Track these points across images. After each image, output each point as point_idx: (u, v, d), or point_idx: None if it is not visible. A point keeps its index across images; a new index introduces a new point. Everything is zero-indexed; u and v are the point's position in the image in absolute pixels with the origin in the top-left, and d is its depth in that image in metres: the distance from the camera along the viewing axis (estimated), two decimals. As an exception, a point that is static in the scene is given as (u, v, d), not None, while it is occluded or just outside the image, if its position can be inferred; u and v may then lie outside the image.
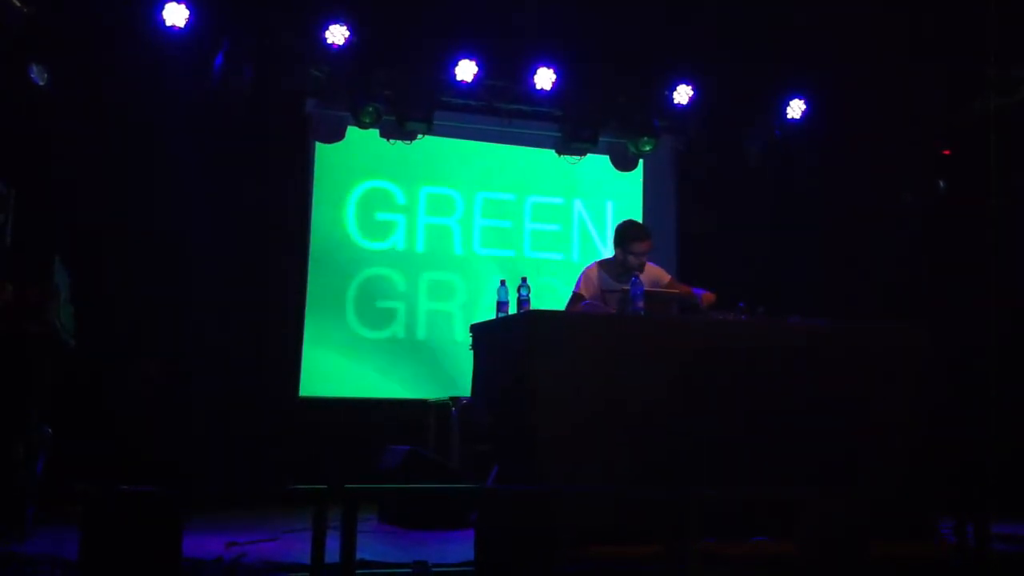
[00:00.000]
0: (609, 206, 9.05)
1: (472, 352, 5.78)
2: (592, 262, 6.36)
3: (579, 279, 6.16)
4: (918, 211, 8.72)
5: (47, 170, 7.16)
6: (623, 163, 9.10)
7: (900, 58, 8.33)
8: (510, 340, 5.35)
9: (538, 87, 8.23)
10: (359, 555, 4.22)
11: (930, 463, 5.44)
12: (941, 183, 8.55)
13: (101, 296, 7.02)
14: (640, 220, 9.10)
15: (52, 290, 5.25)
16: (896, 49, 8.28)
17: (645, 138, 8.71)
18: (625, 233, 6.12)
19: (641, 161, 9.10)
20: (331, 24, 7.64)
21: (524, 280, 5.78)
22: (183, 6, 7.28)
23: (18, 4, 6.80)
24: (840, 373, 5.37)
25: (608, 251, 6.55)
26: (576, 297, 6.03)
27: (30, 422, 5.27)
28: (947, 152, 8.56)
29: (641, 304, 5.48)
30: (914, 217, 8.75)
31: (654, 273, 6.17)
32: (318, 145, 8.36)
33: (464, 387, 6.19)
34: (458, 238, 8.63)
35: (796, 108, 8.79)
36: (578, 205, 8.96)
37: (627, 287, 5.73)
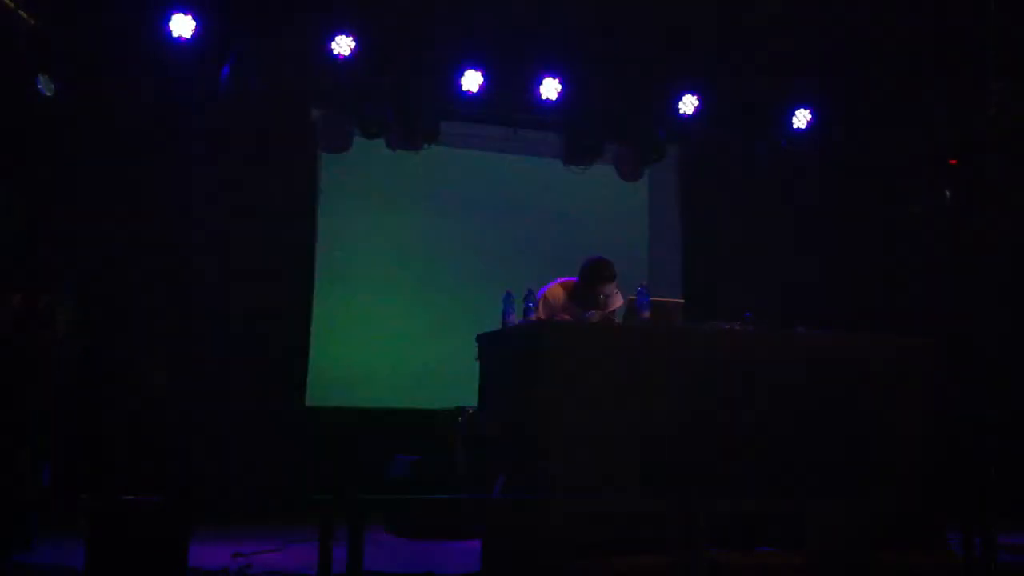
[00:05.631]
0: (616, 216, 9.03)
1: (478, 362, 5.77)
2: (554, 283, 6.17)
3: (538, 299, 5.86)
4: (924, 220, 8.71)
5: (55, 180, 7.19)
6: (629, 173, 9.10)
7: (905, 68, 8.33)
8: (516, 350, 5.34)
9: (544, 97, 8.24)
10: (366, 566, 4.21)
11: (937, 474, 5.42)
12: (947, 193, 8.54)
13: (108, 305, 7.03)
14: (645, 230, 9.15)
15: (60, 299, 5.26)
16: (901, 59, 8.28)
17: (651, 148, 8.71)
18: (594, 273, 5.98)
19: (647, 171, 9.10)
20: (337, 35, 7.66)
21: (530, 291, 5.77)
22: (190, 17, 7.31)
23: (26, 16, 6.84)
24: (846, 384, 5.35)
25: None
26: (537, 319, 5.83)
27: (36, 430, 5.27)
28: (953, 162, 8.56)
29: (647, 314, 5.47)
30: (920, 226, 8.74)
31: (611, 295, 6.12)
32: (324, 155, 8.36)
33: (470, 397, 6.18)
34: (464, 247, 8.61)
35: (802, 118, 8.78)
36: (584, 215, 8.93)
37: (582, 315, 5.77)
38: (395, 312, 8.39)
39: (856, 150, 8.91)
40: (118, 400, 7.21)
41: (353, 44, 7.69)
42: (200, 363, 7.57)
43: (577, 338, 5.15)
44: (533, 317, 5.61)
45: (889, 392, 5.40)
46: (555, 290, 6.10)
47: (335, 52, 7.69)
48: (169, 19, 7.29)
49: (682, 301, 6.06)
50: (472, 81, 8.05)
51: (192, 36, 7.34)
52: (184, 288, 7.62)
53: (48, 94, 7.06)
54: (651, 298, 5.61)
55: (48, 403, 5.40)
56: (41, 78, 7.01)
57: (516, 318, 5.69)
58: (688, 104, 8.53)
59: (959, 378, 6.43)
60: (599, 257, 6.07)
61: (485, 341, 5.81)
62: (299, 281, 8.08)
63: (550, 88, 8.21)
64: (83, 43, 7.24)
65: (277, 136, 8.03)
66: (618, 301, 6.14)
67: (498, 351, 5.61)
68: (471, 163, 8.69)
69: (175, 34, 7.31)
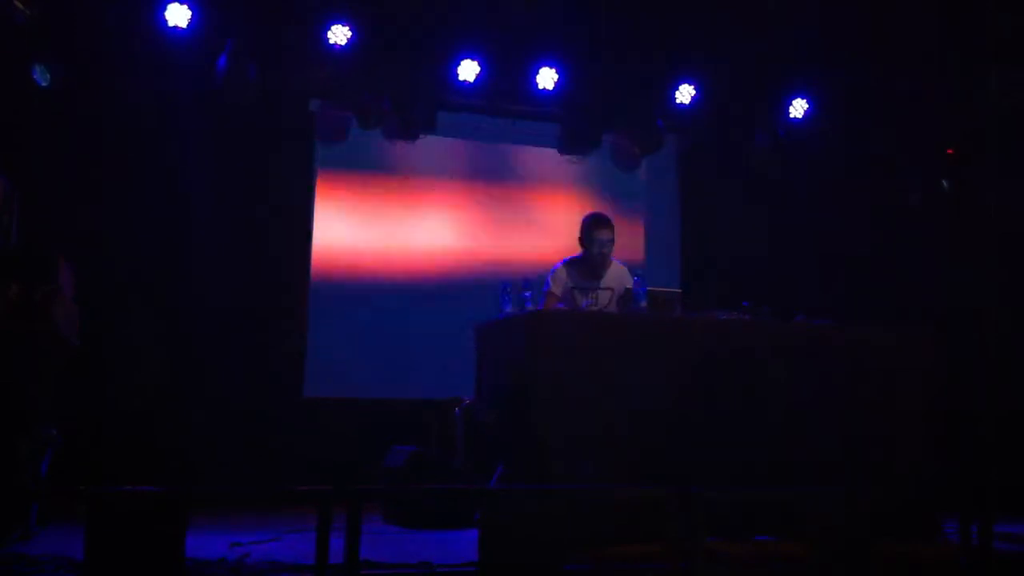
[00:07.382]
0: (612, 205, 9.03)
1: (476, 352, 5.78)
2: (559, 262, 6.30)
3: (548, 278, 6.15)
4: (921, 210, 8.71)
5: (51, 170, 7.17)
6: (626, 163, 9.10)
7: (904, 58, 8.32)
8: (513, 340, 5.35)
9: (541, 87, 8.22)
10: (363, 555, 4.22)
11: (933, 463, 5.43)
12: (945, 182, 8.54)
13: (105, 296, 7.02)
14: (642, 220, 9.15)
15: (57, 289, 5.26)
16: (900, 49, 8.27)
17: (648, 138, 8.70)
18: (588, 223, 6.11)
19: (644, 160, 9.09)
20: (334, 24, 7.64)
21: (527, 280, 5.80)
22: (185, 7, 7.28)
23: (21, 5, 6.81)
24: (843, 374, 5.36)
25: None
26: (550, 295, 6.00)
27: (35, 421, 5.27)
28: (951, 151, 8.55)
29: (645, 303, 5.48)
30: (917, 216, 8.74)
31: (620, 273, 6.14)
32: (321, 145, 8.36)
33: (468, 387, 6.19)
34: (461, 237, 8.61)
35: (799, 107, 8.78)
36: (582, 204, 8.92)
37: (591, 286, 5.89)
38: (392, 303, 8.39)
39: (854, 140, 8.91)
40: (117, 389, 7.21)
41: (350, 34, 7.67)
42: (198, 353, 7.57)
43: (574, 327, 5.16)
44: (530, 307, 5.63)
45: (886, 382, 5.42)
46: (560, 269, 6.22)
47: (332, 42, 7.67)
48: (165, 9, 7.27)
49: (680, 291, 6.08)
50: (469, 71, 8.03)
51: (188, 26, 7.31)
52: (180, 277, 7.61)
53: (44, 84, 7.04)
54: (649, 288, 5.63)
55: (47, 393, 5.40)
56: (37, 67, 6.99)
57: (513, 308, 5.71)
58: (685, 94, 8.53)
59: (958, 369, 6.43)
60: (591, 212, 6.37)
61: (482, 331, 5.82)
62: (296, 270, 8.09)
63: (547, 78, 8.20)
64: (79, 32, 7.22)
65: (274, 126, 8.02)
66: (627, 278, 6.13)
67: (495, 341, 5.63)
68: (468, 153, 8.69)
69: (171, 24, 7.27)
